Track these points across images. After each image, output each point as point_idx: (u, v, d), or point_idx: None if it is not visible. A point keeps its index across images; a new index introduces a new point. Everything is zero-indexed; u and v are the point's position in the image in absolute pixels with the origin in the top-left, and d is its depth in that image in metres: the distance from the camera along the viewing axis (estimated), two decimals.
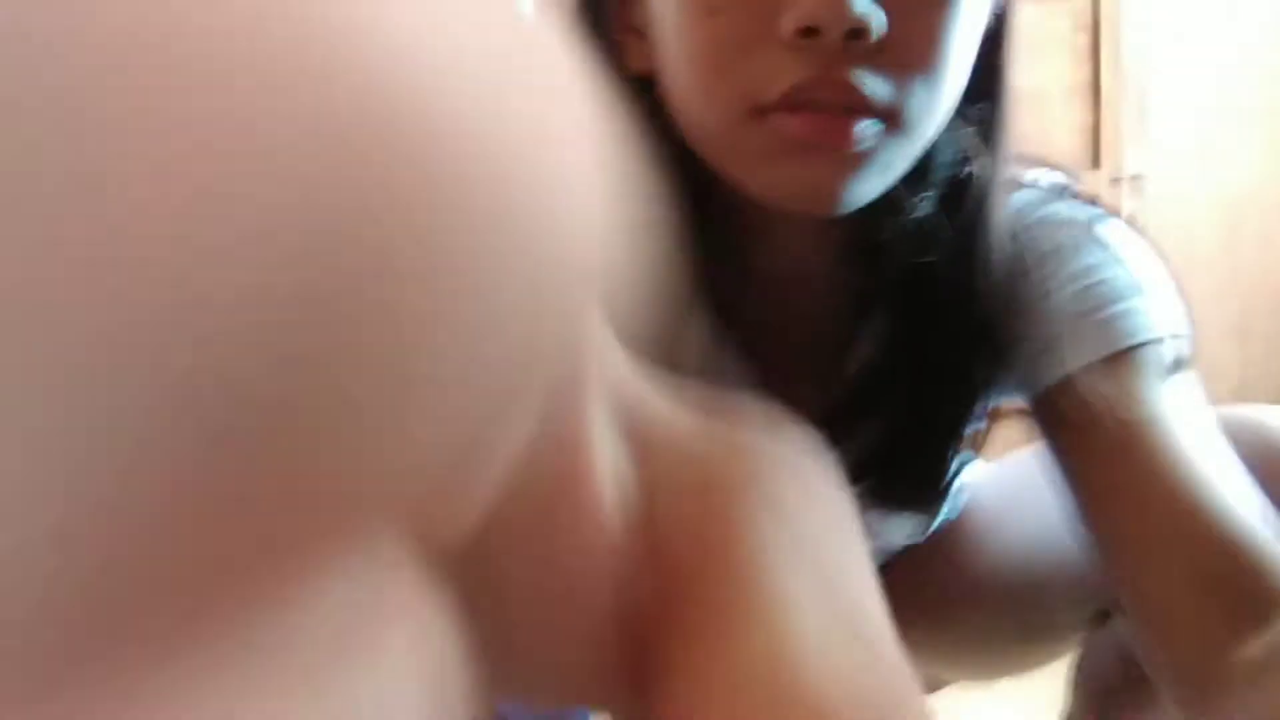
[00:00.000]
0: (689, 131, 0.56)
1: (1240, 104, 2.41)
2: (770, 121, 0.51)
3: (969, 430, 0.64)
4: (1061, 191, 0.63)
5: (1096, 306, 0.58)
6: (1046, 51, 2.41)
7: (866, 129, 0.50)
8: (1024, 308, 0.59)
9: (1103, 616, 0.73)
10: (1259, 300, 2.38)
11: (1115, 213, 0.63)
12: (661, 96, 0.56)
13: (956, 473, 0.63)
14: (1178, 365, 0.58)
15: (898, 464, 0.63)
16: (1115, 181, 2.47)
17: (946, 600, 0.79)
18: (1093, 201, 0.63)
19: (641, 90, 0.56)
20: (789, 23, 0.49)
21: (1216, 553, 0.51)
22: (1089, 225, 0.61)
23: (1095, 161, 2.49)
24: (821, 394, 0.64)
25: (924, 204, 0.58)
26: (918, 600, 0.79)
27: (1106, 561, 0.57)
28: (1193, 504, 0.52)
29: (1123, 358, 0.57)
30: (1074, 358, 0.57)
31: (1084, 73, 2.51)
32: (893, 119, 0.51)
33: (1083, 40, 2.53)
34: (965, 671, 0.86)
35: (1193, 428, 0.56)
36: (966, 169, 0.58)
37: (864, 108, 0.50)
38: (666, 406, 0.18)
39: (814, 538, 0.18)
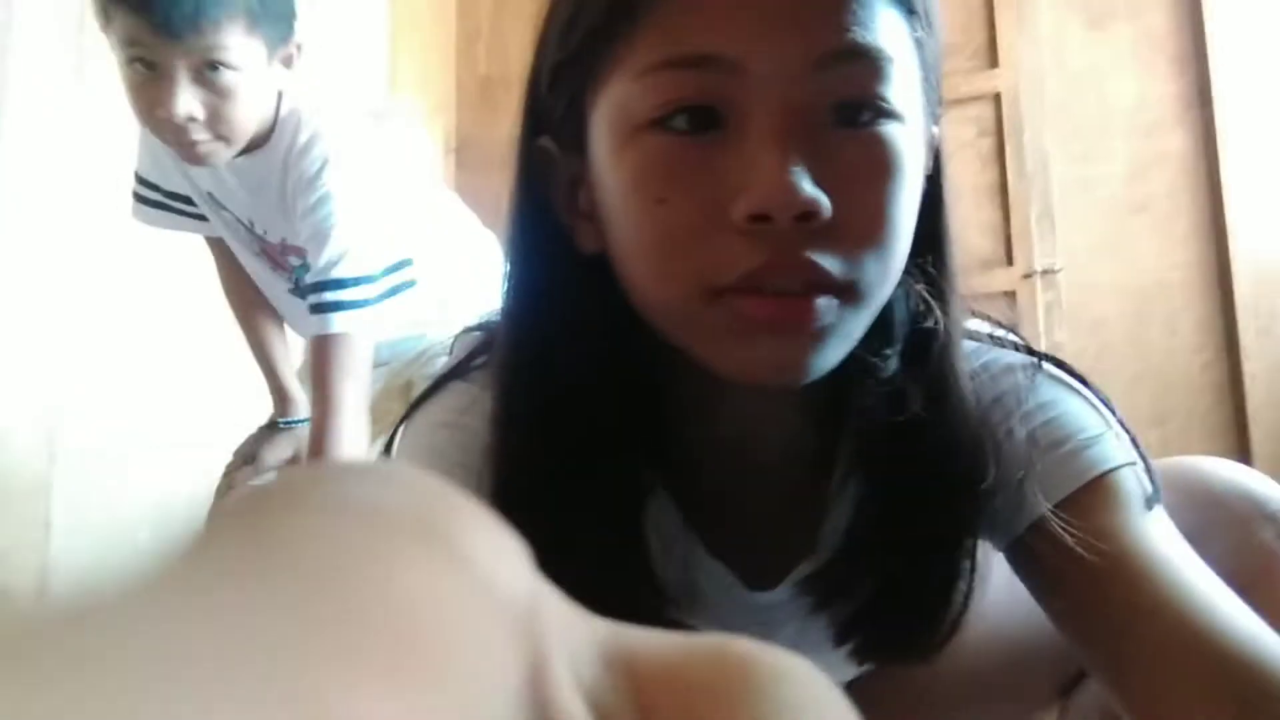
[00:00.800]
0: (645, 310, 0.55)
1: (1138, 195, 2.55)
2: (728, 302, 0.51)
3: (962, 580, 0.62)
4: (996, 337, 0.64)
5: (1056, 443, 0.58)
6: (953, 156, 2.53)
7: (825, 305, 0.50)
8: (987, 454, 0.59)
9: (1072, 685, 0.75)
10: (1172, 383, 2.49)
11: (1048, 356, 0.63)
12: (614, 273, 0.56)
13: (956, 624, 0.61)
14: (1145, 493, 0.58)
15: (891, 623, 0.62)
16: (1028, 276, 2.58)
17: (922, 697, 0.79)
18: (1028, 347, 0.64)
19: (593, 268, 0.56)
20: (740, 211, 0.49)
21: (1234, 668, 0.51)
22: (1032, 367, 0.62)
23: (1008, 258, 2.60)
24: (796, 561, 0.64)
25: (888, 362, 0.57)
26: (895, 703, 0.79)
27: (1119, 693, 0.56)
28: (1199, 624, 0.52)
29: (1093, 488, 0.57)
30: (1046, 497, 0.57)
31: (991, 175, 2.64)
32: (848, 291, 0.51)
33: (987, 144, 2.67)
34: None
35: (1174, 548, 0.56)
36: (923, 323, 0.58)
37: (821, 285, 0.50)
38: (642, 635, 0.17)
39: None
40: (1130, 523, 0.56)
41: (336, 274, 1.23)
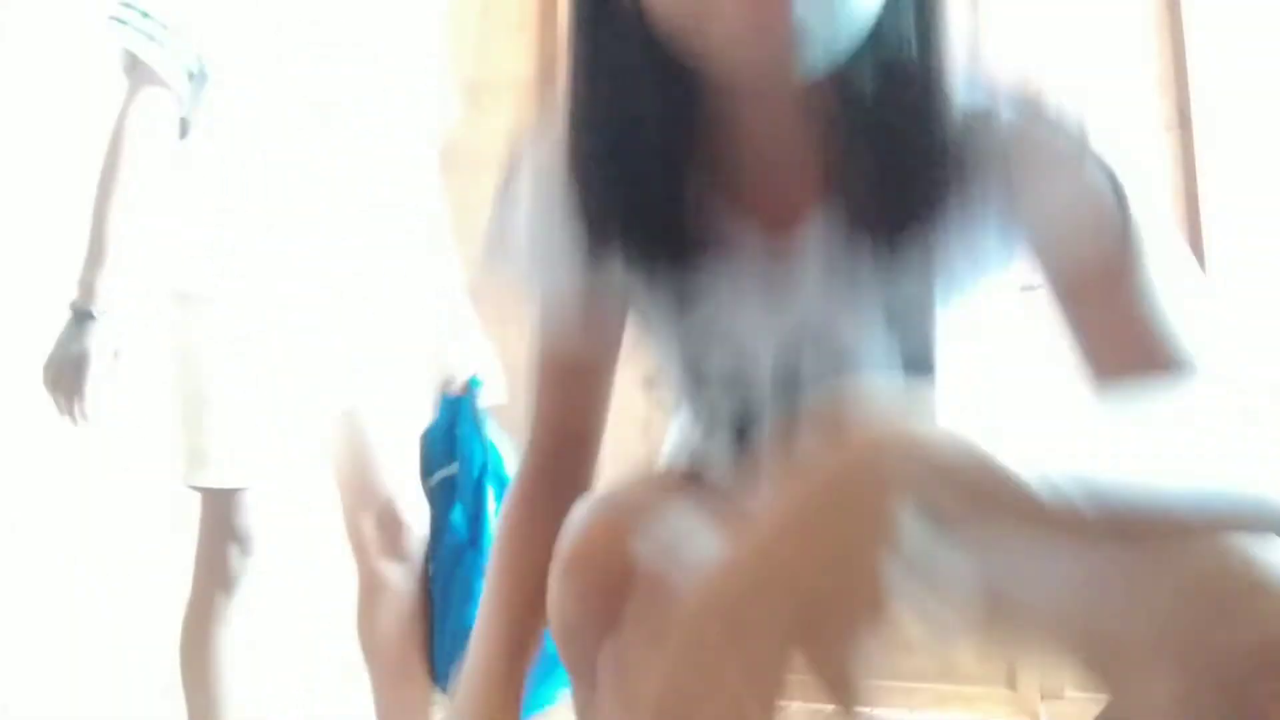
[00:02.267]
0: (668, 34, 0.66)
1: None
2: None
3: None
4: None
5: (1073, 155, 0.73)
6: None
7: None
8: (995, 160, 0.70)
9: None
10: None
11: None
12: (651, 22, 0.67)
13: (944, 190, 0.70)
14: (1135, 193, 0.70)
15: (890, 186, 0.70)
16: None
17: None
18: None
19: (638, 22, 0.67)
20: None
21: (1152, 337, 0.65)
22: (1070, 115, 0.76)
23: None
24: (814, 223, 0.74)
25: (878, 78, 0.67)
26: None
27: (1079, 354, 0.72)
28: (1151, 318, 0.66)
29: (1094, 196, 0.70)
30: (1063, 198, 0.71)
31: None
32: None
33: None
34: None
35: (1159, 241, 0.68)
36: (912, 46, 0.68)
37: None
38: None
39: None
40: (1134, 224, 0.68)
41: None
